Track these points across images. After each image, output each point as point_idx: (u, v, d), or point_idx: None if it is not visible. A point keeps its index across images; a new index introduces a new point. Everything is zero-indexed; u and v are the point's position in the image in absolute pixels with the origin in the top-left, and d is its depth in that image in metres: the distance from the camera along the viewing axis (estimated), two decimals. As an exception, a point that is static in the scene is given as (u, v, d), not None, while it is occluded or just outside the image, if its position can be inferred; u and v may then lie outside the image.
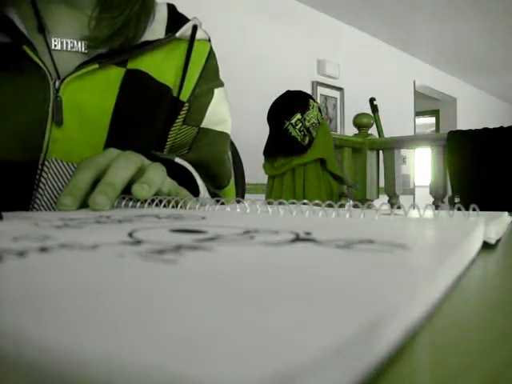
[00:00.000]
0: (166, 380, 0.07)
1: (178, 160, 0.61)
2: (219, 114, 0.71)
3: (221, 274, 0.15)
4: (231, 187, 0.76)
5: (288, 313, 0.11)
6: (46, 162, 0.56)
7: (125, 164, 0.44)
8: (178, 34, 0.65)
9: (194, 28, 0.67)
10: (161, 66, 0.64)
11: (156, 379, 0.07)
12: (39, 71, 0.54)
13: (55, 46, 0.59)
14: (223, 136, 0.72)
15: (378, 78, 4.43)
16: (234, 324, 0.10)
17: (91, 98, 0.58)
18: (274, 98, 2.07)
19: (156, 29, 0.64)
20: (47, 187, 0.56)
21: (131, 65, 0.61)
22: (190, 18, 0.69)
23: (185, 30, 0.66)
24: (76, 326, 0.10)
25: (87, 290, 0.13)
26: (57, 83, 0.55)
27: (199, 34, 0.68)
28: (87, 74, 0.57)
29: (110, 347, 0.08)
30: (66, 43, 0.59)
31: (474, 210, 0.33)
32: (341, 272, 0.16)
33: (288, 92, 2.06)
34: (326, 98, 3.91)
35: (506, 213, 0.39)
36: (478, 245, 0.27)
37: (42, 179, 0.56)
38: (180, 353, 0.08)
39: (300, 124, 1.96)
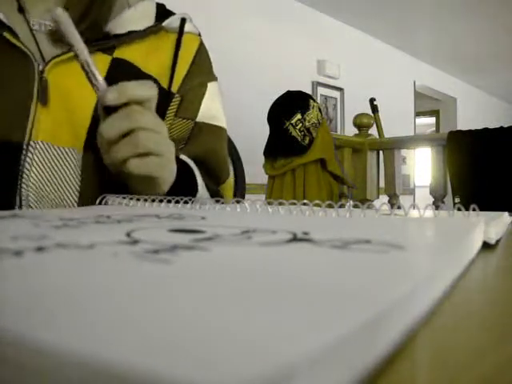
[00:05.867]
0: (161, 381, 0.07)
1: (182, 157, 0.61)
2: (215, 109, 0.71)
3: (215, 274, 0.15)
4: (229, 183, 0.75)
5: (285, 312, 0.11)
6: (32, 143, 0.55)
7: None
8: (164, 24, 0.65)
9: (183, 21, 0.67)
10: (148, 58, 0.64)
11: (153, 380, 0.07)
12: (23, 55, 0.54)
13: (33, 25, 0.59)
14: (220, 130, 0.72)
15: (377, 78, 4.43)
16: (231, 324, 0.10)
17: (76, 82, 0.57)
18: (274, 98, 2.07)
19: (144, 22, 0.64)
20: (33, 169, 0.55)
21: (118, 53, 0.61)
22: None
23: (172, 21, 0.66)
24: (69, 326, 0.10)
25: (80, 289, 0.13)
26: (41, 66, 0.55)
27: (188, 27, 0.68)
28: (72, 59, 0.56)
29: (100, 348, 0.08)
30: (45, 25, 0.59)
31: (473, 210, 0.33)
32: (338, 272, 0.16)
33: (288, 92, 2.06)
34: (326, 98, 3.91)
35: (506, 213, 0.39)
36: (477, 245, 0.26)
37: (28, 159, 0.55)
38: (175, 353, 0.08)
39: (300, 124, 1.96)
